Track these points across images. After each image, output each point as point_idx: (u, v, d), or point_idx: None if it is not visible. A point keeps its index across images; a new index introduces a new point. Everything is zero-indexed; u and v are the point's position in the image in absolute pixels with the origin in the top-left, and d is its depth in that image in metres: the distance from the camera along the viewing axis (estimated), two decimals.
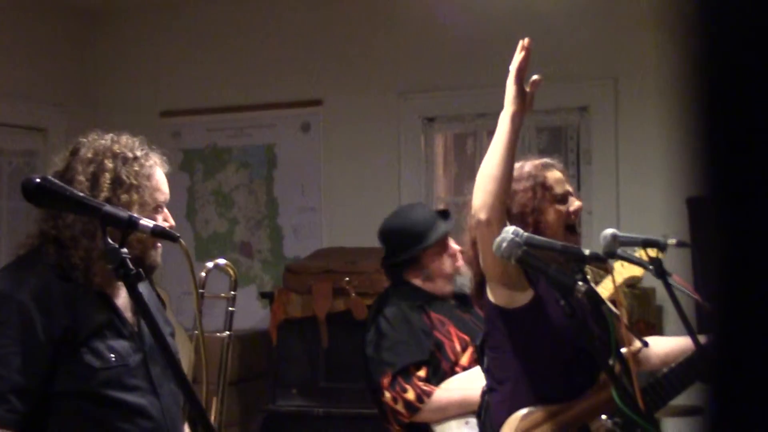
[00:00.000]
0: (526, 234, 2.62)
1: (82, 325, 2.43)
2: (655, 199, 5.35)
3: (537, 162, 3.09)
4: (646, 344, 3.09)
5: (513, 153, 2.82)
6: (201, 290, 3.01)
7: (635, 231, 3.14)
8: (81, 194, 2.14)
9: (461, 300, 3.92)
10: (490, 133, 6.46)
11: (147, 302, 2.07)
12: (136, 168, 2.54)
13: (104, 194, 2.45)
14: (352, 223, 6.12)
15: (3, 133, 6.10)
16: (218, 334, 3.08)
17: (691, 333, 2.81)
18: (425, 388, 3.65)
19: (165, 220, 2.57)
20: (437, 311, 3.85)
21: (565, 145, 5.82)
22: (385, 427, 3.78)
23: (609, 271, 3.17)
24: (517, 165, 3.00)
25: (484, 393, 3.11)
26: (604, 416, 2.82)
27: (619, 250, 3.00)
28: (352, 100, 6.15)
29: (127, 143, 2.61)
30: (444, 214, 4.08)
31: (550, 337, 2.89)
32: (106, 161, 2.52)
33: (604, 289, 4.00)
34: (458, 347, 3.77)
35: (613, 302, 2.87)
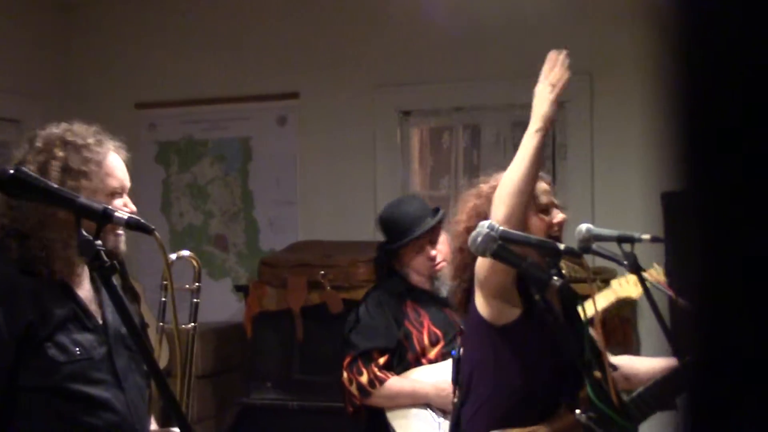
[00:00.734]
0: (501, 228, 2.62)
1: (46, 319, 2.42)
2: (630, 195, 5.37)
3: None
4: (615, 368, 3.09)
5: (538, 169, 2.80)
6: (164, 282, 2.99)
7: (610, 226, 3.15)
8: (55, 185, 2.13)
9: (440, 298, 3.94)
10: (467, 127, 6.48)
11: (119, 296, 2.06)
12: (86, 154, 2.53)
13: (53, 183, 2.43)
14: (328, 217, 6.11)
15: None
16: (183, 326, 3.07)
17: (665, 328, 2.82)
18: (380, 374, 3.72)
19: (125, 206, 2.55)
20: (416, 302, 3.89)
21: None
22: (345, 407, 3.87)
23: (584, 266, 3.17)
24: (501, 174, 3.00)
25: (456, 408, 3.08)
26: (578, 411, 2.83)
27: (594, 246, 3.01)
28: (329, 93, 6.14)
29: (79, 131, 2.59)
30: (435, 212, 4.12)
31: (537, 355, 2.88)
32: (55, 150, 2.51)
33: (605, 299, 4.02)
34: (427, 340, 3.81)
35: (588, 299, 2.88)
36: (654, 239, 2.88)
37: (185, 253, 3.09)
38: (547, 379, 2.87)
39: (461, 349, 3.10)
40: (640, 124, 5.10)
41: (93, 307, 2.56)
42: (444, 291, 3.69)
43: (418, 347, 3.80)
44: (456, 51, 5.84)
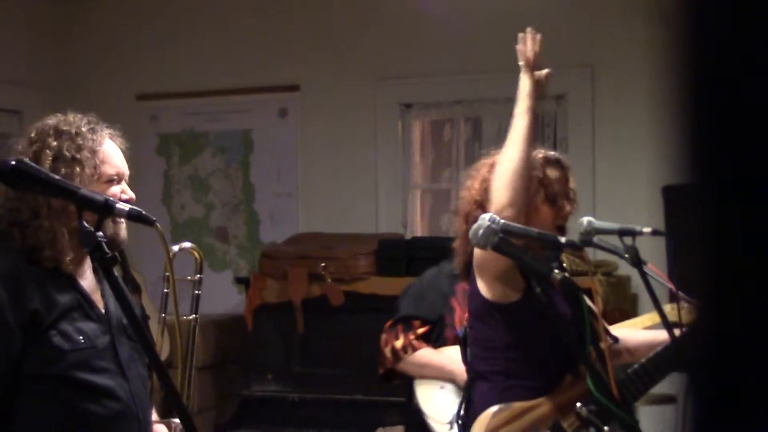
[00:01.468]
0: (502, 221, 2.62)
1: (50, 308, 2.43)
2: (632, 188, 5.37)
3: (542, 155, 3.05)
4: (616, 340, 3.11)
5: (532, 147, 2.80)
6: (166, 274, 2.99)
7: (611, 219, 3.15)
8: (57, 177, 2.14)
9: None
10: (468, 120, 6.48)
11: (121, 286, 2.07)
12: (79, 142, 2.54)
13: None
14: (329, 209, 6.12)
15: None
16: (185, 318, 3.08)
17: (665, 321, 2.82)
18: (415, 342, 3.79)
19: (123, 193, 2.56)
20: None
21: (541, 133, 5.82)
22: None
23: (585, 259, 3.18)
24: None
25: (467, 387, 3.10)
26: (578, 404, 2.84)
27: (596, 239, 3.01)
28: (330, 85, 6.14)
29: (73, 120, 2.60)
30: None
31: (540, 333, 2.88)
32: (48, 139, 2.52)
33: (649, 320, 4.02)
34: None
35: (590, 292, 2.89)
36: (655, 232, 2.88)
37: (186, 244, 3.10)
38: (550, 354, 2.88)
39: (468, 329, 3.11)
40: (642, 117, 5.10)
41: (96, 297, 2.57)
42: None
43: (458, 326, 3.84)
44: (457, 43, 5.83)
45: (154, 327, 4.14)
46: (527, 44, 2.91)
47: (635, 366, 3.12)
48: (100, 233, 1.98)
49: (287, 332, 5.39)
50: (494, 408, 2.89)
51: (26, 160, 2.16)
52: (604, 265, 5.03)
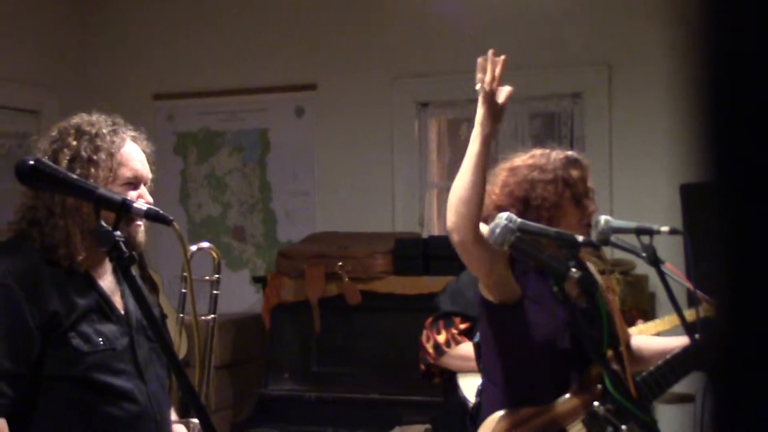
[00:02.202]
0: (519, 220, 2.62)
1: (70, 309, 2.43)
2: (649, 186, 5.35)
3: (563, 156, 3.03)
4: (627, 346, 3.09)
5: (484, 174, 2.78)
6: (184, 274, 2.99)
7: (628, 218, 3.14)
8: (74, 176, 2.14)
9: None
10: None
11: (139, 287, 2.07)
12: (99, 143, 2.52)
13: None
14: (345, 208, 6.12)
15: None
16: (203, 318, 3.08)
17: (683, 321, 2.81)
18: (458, 337, 3.78)
19: (139, 198, 2.53)
20: None
21: (558, 132, 5.82)
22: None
23: (602, 258, 3.17)
24: (541, 153, 2.98)
25: (479, 391, 3.10)
26: (596, 403, 2.83)
27: (613, 238, 3.00)
28: (347, 84, 6.14)
29: (95, 120, 2.58)
30: None
31: (537, 337, 2.87)
32: (68, 139, 2.51)
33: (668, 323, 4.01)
34: None
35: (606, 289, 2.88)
36: (673, 231, 2.87)
37: (205, 245, 3.10)
38: (554, 358, 2.87)
39: (478, 334, 3.11)
40: (659, 115, 5.08)
41: (115, 298, 2.57)
42: None
43: None
44: (474, 41, 5.82)
45: (171, 326, 4.15)
46: (487, 71, 2.89)
47: (654, 366, 3.11)
48: (118, 232, 1.99)
49: (304, 331, 5.40)
50: (501, 413, 2.88)
51: (45, 159, 2.16)
52: (622, 264, 5.02)
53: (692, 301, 2.88)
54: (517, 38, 5.75)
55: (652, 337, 3.43)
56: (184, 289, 3.10)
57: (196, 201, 6.47)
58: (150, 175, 2.62)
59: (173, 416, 2.72)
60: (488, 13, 5.76)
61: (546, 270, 2.55)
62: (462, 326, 3.85)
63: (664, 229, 2.89)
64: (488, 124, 2.81)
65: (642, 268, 4.76)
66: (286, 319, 5.44)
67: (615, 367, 2.68)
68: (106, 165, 2.51)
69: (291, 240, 6.11)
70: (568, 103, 5.80)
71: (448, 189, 6.48)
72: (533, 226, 2.65)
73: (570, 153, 3.07)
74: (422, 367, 3.95)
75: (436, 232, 6.07)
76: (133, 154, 2.59)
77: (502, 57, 2.84)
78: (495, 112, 2.84)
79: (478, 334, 3.20)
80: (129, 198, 2.17)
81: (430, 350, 3.85)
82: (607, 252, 4.03)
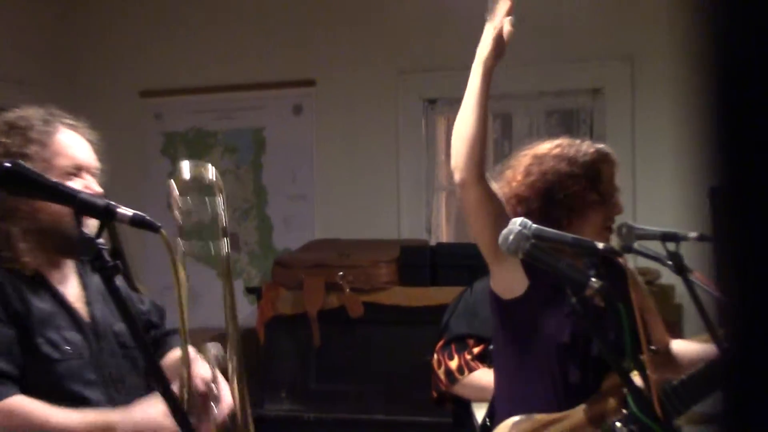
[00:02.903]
0: (534, 226, 2.61)
1: (28, 313, 2.46)
2: (675, 189, 5.34)
3: (594, 149, 3.03)
4: (655, 351, 3.09)
5: (486, 111, 2.81)
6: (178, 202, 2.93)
7: (653, 223, 3.14)
8: (54, 180, 2.15)
9: None
10: (497, 116, 6.46)
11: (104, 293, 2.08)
12: (30, 135, 2.53)
13: None
14: (347, 213, 6.12)
15: None
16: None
17: (713, 333, 2.81)
18: (471, 363, 3.75)
19: (86, 188, 2.53)
20: None
21: (576, 130, 5.82)
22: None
23: (624, 267, 3.16)
24: (569, 143, 2.98)
25: (493, 397, 3.11)
26: (618, 423, 2.82)
27: (636, 244, 2.99)
28: (348, 80, 6.14)
29: (28, 114, 2.60)
30: None
31: (544, 336, 2.88)
32: (2, 137, 2.53)
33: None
34: None
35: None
36: (701, 237, 2.87)
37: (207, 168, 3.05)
38: (554, 353, 2.87)
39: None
40: (685, 111, 5.08)
41: (78, 305, 2.59)
42: None
43: None
44: None
45: None
46: (499, 6, 2.90)
47: (677, 380, 3.10)
48: (101, 240, 1.99)
49: (302, 346, 5.39)
50: (515, 418, 2.88)
51: (22, 162, 2.17)
52: (646, 274, 5.01)
53: (723, 315, 2.87)
54: (533, 29, 5.74)
55: (693, 343, 3.42)
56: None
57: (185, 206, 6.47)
58: (96, 164, 2.62)
59: None
60: None
61: (564, 281, 2.54)
62: (476, 349, 3.82)
63: (692, 235, 2.89)
64: (493, 60, 2.81)
65: (668, 277, 4.75)
66: (282, 333, 5.44)
67: (638, 382, 2.68)
68: (40, 156, 2.51)
69: (288, 248, 6.11)
70: (587, 99, 5.80)
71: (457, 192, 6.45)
72: (550, 233, 2.65)
73: (602, 146, 3.05)
74: (434, 393, 3.93)
75: (444, 239, 6.07)
76: (70, 142, 2.59)
77: None
78: (502, 49, 2.84)
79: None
80: (112, 203, 2.17)
81: (442, 377, 3.82)
82: (630, 260, 4.03)
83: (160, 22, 6.52)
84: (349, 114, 6.16)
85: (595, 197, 2.94)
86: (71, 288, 2.59)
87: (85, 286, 2.62)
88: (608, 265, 2.71)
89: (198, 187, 2.66)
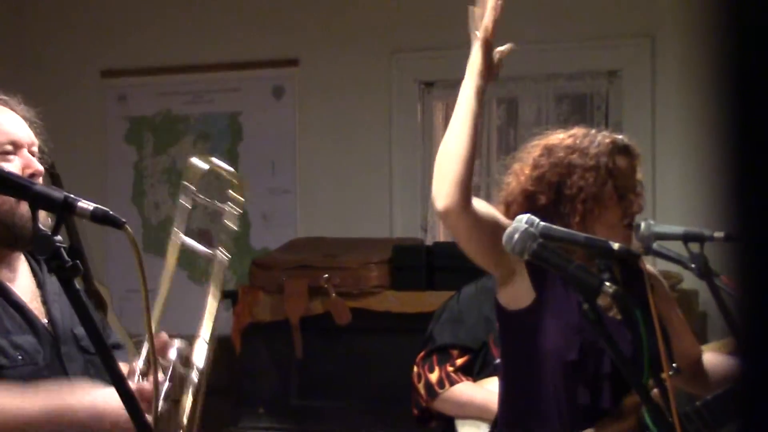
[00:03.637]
0: (541, 224, 2.62)
1: None
2: (699, 183, 5.35)
3: (610, 139, 3.03)
4: (678, 370, 3.09)
5: (477, 134, 2.80)
6: (192, 187, 2.99)
7: (674, 221, 3.15)
8: (7, 171, 2.15)
9: None
10: (501, 101, 6.47)
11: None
12: None
13: None
14: (333, 209, 6.12)
15: None
16: (206, 251, 3.12)
17: (740, 344, 2.81)
18: (453, 375, 3.76)
19: (26, 168, 2.54)
20: None
21: (590, 117, 5.83)
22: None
23: (642, 269, 3.17)
24: (584, 133, 2.98)
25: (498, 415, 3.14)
26: None
27: (655, 245, 3.00)
28: (335, 60, 6.14)
29: None
30: None
31: (546, 346, 2.89)
32: None
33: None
34: None
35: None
36: (728, 237, 2.87)
37: (218, 163, 3.09)
38: (561, 370, 2.88)
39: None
40: (709, 97, 5.09)
41: (34, 305, 2.59)
42: None
43: None
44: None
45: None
46: (487, 6, 2.90)
47: (702, 401, 3.10)
48: (59, 237, 1.99)
49: (282, 357, 5.40)
50: None
51: None
52: (666, 278, 5.02)
53: (749, 324, 2.88)
54: (542, 6, 5.76)
55: (728, 356, 3.42)
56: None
57: (152, 199, 6.47)
58: (35, 141, 2.63)
59: None
60: None
61: (575, 284, 2.55)
62: (459, 361, 3.83)
63: (718, 234, 2.89)
64: (483, 78, 2.81)
65: (691, 281, 4.76)
66: (260, 342, 5.44)
67: (658, 400, 2.69)
68: None
69: (267, 247, 6.11)
70: (602, 82, 5.81)
71: None
72: (559, 231, 2.66)
73: (619, 137, 3.05)
74: (415, 411, 3.94)
75: (442, 237, 6.07)
76: (1, 118, 2.59)
77: (500, 2, 2.86)
78: (492, 65, 2.84)
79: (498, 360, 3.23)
80: (72, 196, 2.17)
81: (422, 392, 3.84)
82: (649, 262, 4.04)
83: None
84: (335, 98, 6.16)
85: (610, 192, 2.94)
86: (24, 286, 2.60)
87: (40, 283, 2.62)
88: (625, 268, 2.72)
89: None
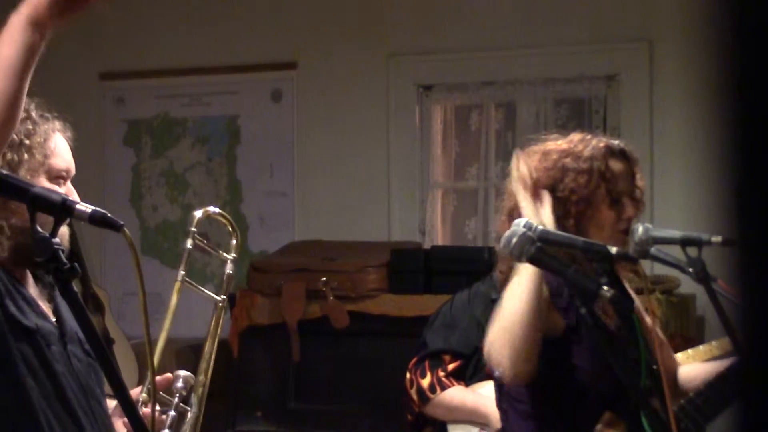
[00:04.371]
0: (540, 228, 2.62)
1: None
2: (697, 187, 5.36)
3: (603, 144, 3.03)
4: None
5: (540, 307, 2.79)
6: (197, 237, 3.15)
7: (672, 225, 3.15)
8: (4, 172, 2.15)
9: None
10: (499, 105, 6.47)
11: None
12: (29, 126, 2.54)
13: None
14: (331, 212, 6.12)
15: None
16: (213, 295, 3.17)
17: (739, 348, 2.82)
18: (444, 380, 3.78)
19: (68, 195, 2.55)
20: None
21: (588, 121, 5.83)
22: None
23: (640, 274, 3.17)
24: (580, 138, 2.99)
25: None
26: None
27: (653, 249, 3.00)
28: (333, 63, 6.14)
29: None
30: None
31: (578, 378, 2.89)
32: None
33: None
34: None
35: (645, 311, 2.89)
36: (726, 242, 2.87)
37: (213, 209, 3.19)
38: (593, 403, 2.88)
39: None
40: (708, 100, 5.09)
41: (42, 303, 2.59)
42: None
43: None
44: (486, 13, 5.83)
45: (121, 352, 4.16)
46: (517, 172, 2.93)
47: (692, 394, 3.11)
48: (57, 240, 1.99)
49: (280, 361, 5.39)
50: None
51: None
52: (664, 282, 5.02)
53: (748, 327, 2.88)
54: (540, 10, 5.76)
55: (703, 365, 3.43)
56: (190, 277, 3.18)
57: (150, 202, 6.47)
58: (74, 172, 2.65)
59: None
60: None
61: (572, 288, 2.55)
62: (451, 366, 3.84)
63: (716, 239, 2.89)
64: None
65: (688, 286, 4.76)
66: (258, 345, 5.44)
67: (655, 402, 2.69)
68: (41, 152, 2.52)
69: (265, 250, 6.11)
70: (600, 86, 5.81)
71: (454, 190, 6.49)
72: (557, 235, 2.66)
73: (615, 142, 3.06)
74: (409, 416, 3.96)
75: (440, 241, 6.07)
76: (64, 145, 2.62)
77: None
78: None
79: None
80: (70, 199, 2.17)
81: (415, 397, 3.86)
82: (647, 266, 4.04)
83: None
84: (334, 101, 6.16)
85: (603, 196, 2.95)
86: (32, 284, 2.60)
87: (43, 284, 2.63)
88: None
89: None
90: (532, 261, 2.58)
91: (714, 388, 3.10)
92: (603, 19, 5.71)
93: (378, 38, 6.06)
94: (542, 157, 3.00)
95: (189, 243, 3.16)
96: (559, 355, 2.89)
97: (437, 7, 5.93)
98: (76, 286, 2.14)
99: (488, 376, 3.82)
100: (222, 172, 6.39)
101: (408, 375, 3.91)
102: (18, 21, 2.46)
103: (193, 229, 3.15)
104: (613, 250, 2.66)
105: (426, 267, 5.31)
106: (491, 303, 3.79)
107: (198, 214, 3.15)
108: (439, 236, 6.14)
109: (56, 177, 2.56)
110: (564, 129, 4.87)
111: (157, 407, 2.77)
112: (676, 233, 2.99)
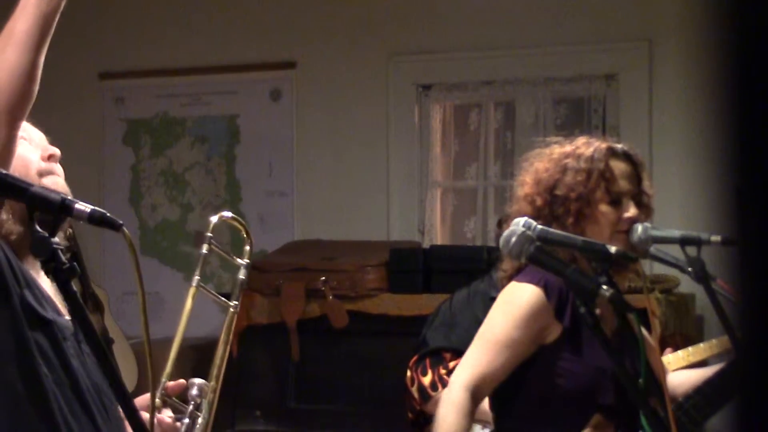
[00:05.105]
0: (539, 227, 2.62)
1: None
2: (696, 187, 5.36)
3: (605, 145, 3.03)
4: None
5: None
6: (211, 241, 3.21)
7: (671, 225, 3.15)
8: (3, 172, 2.14)
9: None
10: (498, 105, 6.48)
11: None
12: None
13: None
14: (331, 212, 6.12)
15: None
16: (226, 301, 3.20)
17: (738, 348, 2.82)
18: (446, 378, 3.78)
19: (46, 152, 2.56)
20: None
21: (588, 120, 5.82)
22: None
23: (639, 273, 3.17)
24: (585, 141, 2.99)
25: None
26: None
27: (652, 249, 3.00)
28: (332, 62, 6.14)
29: None
30: None
31: (575, 387, 2.88)
32: None
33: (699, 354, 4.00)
34: None
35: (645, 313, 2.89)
36: (726, 241, 2.87)
37: (227, 214, 3.23)
38: (587, 396, 2.88)
39: None
40: (708, 100, 5.09)
41: (57, 298, 2.59)
42: None
43: None
44: (486, 12, 5.83)
45: (119, 352, 4.16)
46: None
47: (691, 392, 3.11)
48: (56, 239, 1.99)
49: (279, 360, 5.39)
50: None
51: None
52: (663, 281, 5.02)
53: (747, 326, 2.88)
54: (540, 9, 5.76)
55: (690, 372, 3.43)
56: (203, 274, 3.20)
57: (149, 202, 6.47)
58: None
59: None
60: None
61: (571, 288, 2.55)
62: (452, 364, 3.85)
63: (715, 238, 2.89)
64: None
65: (688, 285, 4.76)
66: (257, 345, 5.44)
67: (654, 403, 2.69)
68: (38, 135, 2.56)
69: (264, 250, 6.10)
70: (600, 85, 5.81)
71: (453, 189, 6.48)
72: (556, 235, 2.66)
73: (619, 145, 3.06)
74: (410, 414, 3.96)
75: (439, 240, 6.07)
76: (38, 134, 2.64)
77: None
78: None
79: None
80: (69, 198, 2.17)
81: (416, 395, 3.86)
82: (646, 266, 4.04)
83: None
84: (333, 100, 6.16)
85: (602, 195, 2.95)
86: (46, 282, 2.60)
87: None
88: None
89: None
90: (531, 260, 2.57)
91: (712, 386, 3.11)
92: (603, 19, 5.71)
93: (377, 38, 6.06)
94: (544, 158, 3.01)
95: (204, 248, 3.21)
96: (551, 360, 2.89)
97: (436, 7, 5.93)
98: (75, 286, 2.14)
99: None
100: (221, 172, 6.39)
101: (409, 373, 3.91)
102: None
103: (209, 234, 3.21)
104: (613, 249, 2.66)
105: (425, 266, 5.31)
106: (490, 301, 3.79)
107: (214, 219, 3.21)
108: (438, 236, 6.13)
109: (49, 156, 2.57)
110: (563, 128, 4.89)
111: (171, 414, 2.79)
112: (675, 232, 3.00)
